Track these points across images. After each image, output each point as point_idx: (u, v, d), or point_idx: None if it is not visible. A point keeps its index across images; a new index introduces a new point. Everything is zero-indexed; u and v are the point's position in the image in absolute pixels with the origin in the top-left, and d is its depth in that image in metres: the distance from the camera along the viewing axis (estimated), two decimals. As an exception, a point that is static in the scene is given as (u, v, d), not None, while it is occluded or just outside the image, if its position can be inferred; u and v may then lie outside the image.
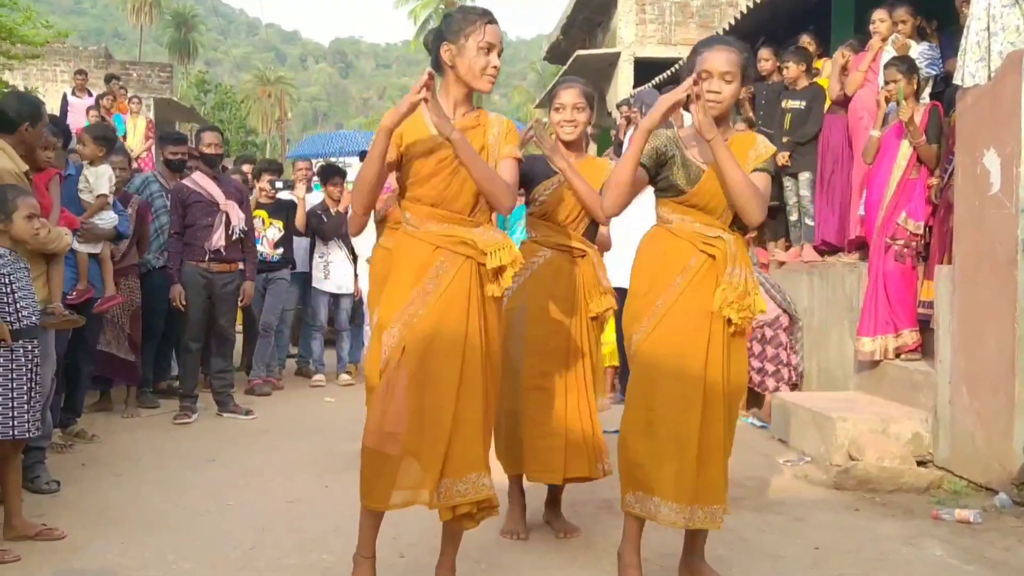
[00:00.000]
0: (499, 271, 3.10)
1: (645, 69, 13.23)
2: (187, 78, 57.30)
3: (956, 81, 5.44)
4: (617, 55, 13.68)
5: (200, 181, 6.77)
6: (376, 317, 3.22)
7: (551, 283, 4.04)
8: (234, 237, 6.74)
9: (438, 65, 3.15)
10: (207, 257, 6.66)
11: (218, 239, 6.64)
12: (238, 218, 6.73)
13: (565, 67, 15.51)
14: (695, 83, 3.13)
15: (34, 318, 4.05)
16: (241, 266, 6.87)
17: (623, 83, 13.54)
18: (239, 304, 6.92)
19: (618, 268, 4.72)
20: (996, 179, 5.02)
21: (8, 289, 3.93)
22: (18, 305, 3.95)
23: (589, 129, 4.41)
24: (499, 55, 3.11)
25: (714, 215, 3.33)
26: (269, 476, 5.14)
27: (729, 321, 3.25)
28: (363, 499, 3.09)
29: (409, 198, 3.18)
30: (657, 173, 3.38)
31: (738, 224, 3.36)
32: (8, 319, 3.91)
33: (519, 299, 4.02)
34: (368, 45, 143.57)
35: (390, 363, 3.03)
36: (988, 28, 5.21)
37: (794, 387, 6.71)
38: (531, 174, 4.07)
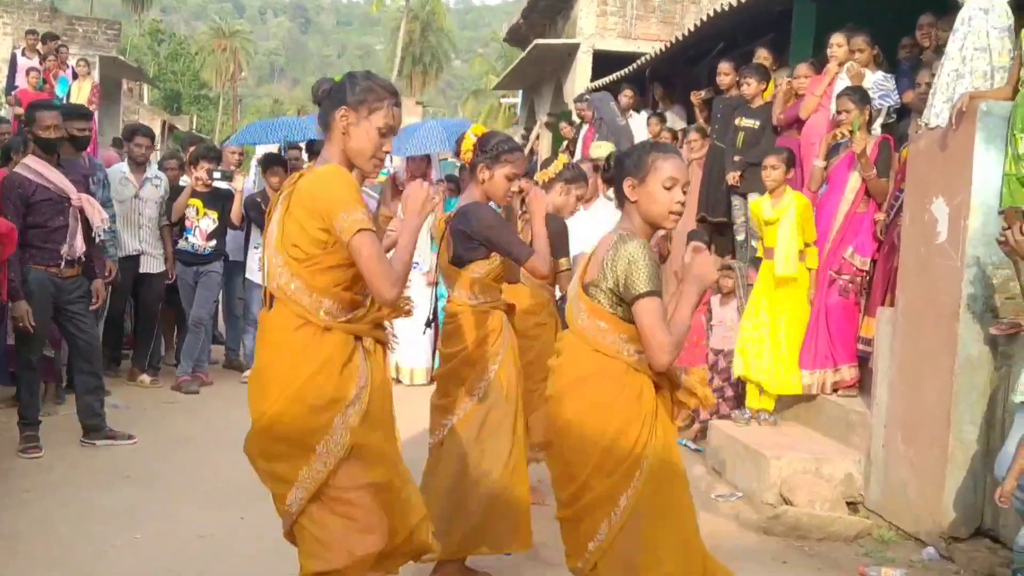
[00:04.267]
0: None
1: (604, 62, 13.05)
2: (141, 26, 55.91)
3: (923, 119, 5.35)
4: (576, 46, 13.48)
5: (41, 170, 5.56)
6: None
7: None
8: (97, 240, 5.88)
9: (326, 122, 2.89)
10: (62, 263, 5.63)
11: (80, 245, 5.65)
12: (101, 217, 5.81)
13: (523, 54, 15.27)
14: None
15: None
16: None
17: (581, 75, 13.35)
18: (92, 306, 5.92)
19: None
20: (943, 228, 4.95)
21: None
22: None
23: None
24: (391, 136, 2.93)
25: None
26: (184, 500, 4.94)
27: None
28: None
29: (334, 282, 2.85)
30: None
31: None
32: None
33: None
34: (330, 1, 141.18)
35: None
36: (958, 70, 5.11)
37: (723, 416, 6.62)
38: None
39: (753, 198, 7.30)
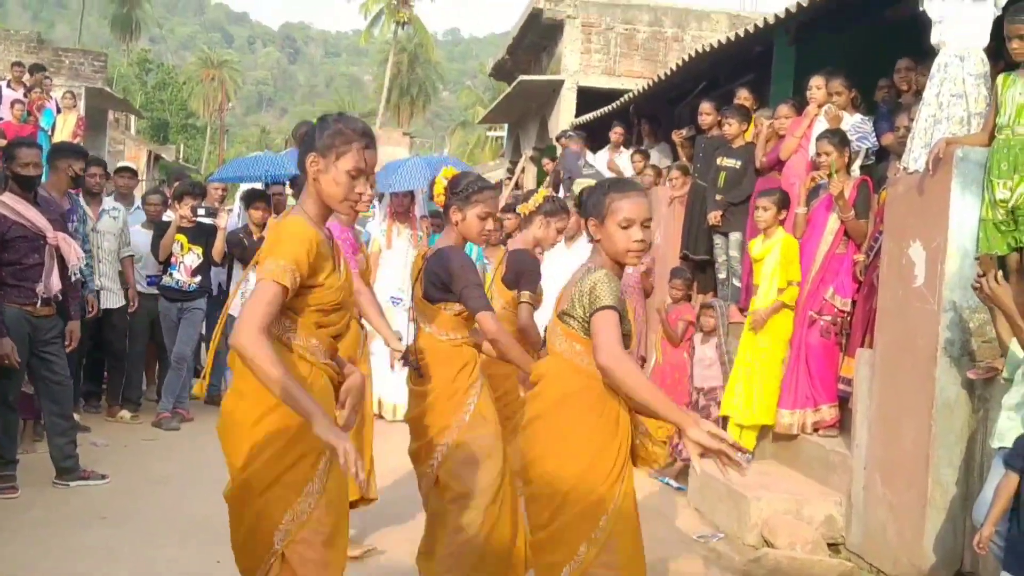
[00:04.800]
0: None
1: (588, 98, 13.15)
2: (129, 55, 56.04)
3: (902, 163, 5.41)
4: (561, 82, 13.58)
5: (18, 207, 5.52)
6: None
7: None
8: (73, 278, 5.85)
9: (302, 168, 2.90)
10: (37, 302, 5.59)
11: (55, 283, 5.60)
12: (78, 256, 5.80)
13: (509, 89, 15.39)
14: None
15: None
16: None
17: (565, 111, 13.44)
18: (67, 348, 5.91)
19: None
20: (921, 272, 4.99)
21: None
22: None
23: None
24: (368, 179, 2.88)
25: None
26: (160, 541, 4.90)
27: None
28: None
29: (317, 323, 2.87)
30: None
31: None
32: None
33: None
34: (318, 31, 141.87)
35: None
36: (935, 115, 5.17)
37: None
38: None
39: (735, 237, 7.36)
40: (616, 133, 10.31)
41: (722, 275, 7.56)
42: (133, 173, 9.27)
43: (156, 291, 7.86)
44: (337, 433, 2.58)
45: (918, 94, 5.91)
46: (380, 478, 5.92)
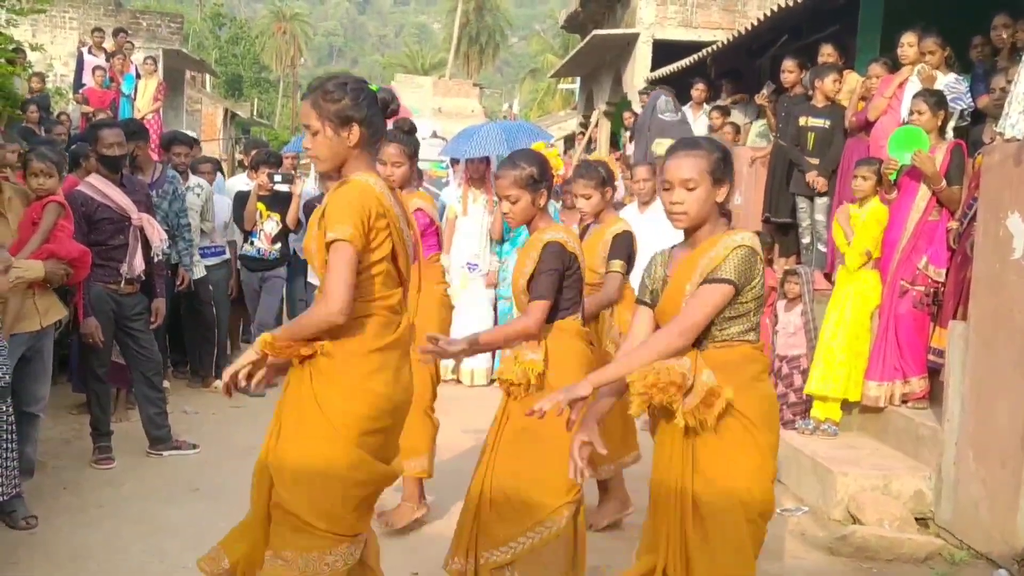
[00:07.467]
0: None
1: (664, 51, 12.85)
2: (202, 10, 56.62)
3: (998, 128, 5.20)
4: (636, 36, 13.28)
5: (104, 189, 5.63)
6: None
7: None
8: (157, 259, 5.95)
9: None
10: (122, 281, 5.73)
11: (139, 264, 5.73)
12: (160, 238, 5.90)
13: (582, 43, 15.15)
14: None
15: (8, 377, 3.92)
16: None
17: (640, 65, 13.15)
18: (151, 325, 5.97)
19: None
20: (1019, 244, 4.80)
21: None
22: (-8, 368, 3.79)
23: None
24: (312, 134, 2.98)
25: None
26: (251, 516, 5.01)
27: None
28: None
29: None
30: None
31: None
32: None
33: None
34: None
35: None
36: None
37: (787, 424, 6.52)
38: None
39: (821, 201, 7.18)
40: (698, 89, 10.06)
41: (806, 240, 7.39)
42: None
43: (219, 262, 7.95)
44: None
45: (1015, 53, 5.67)
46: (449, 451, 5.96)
